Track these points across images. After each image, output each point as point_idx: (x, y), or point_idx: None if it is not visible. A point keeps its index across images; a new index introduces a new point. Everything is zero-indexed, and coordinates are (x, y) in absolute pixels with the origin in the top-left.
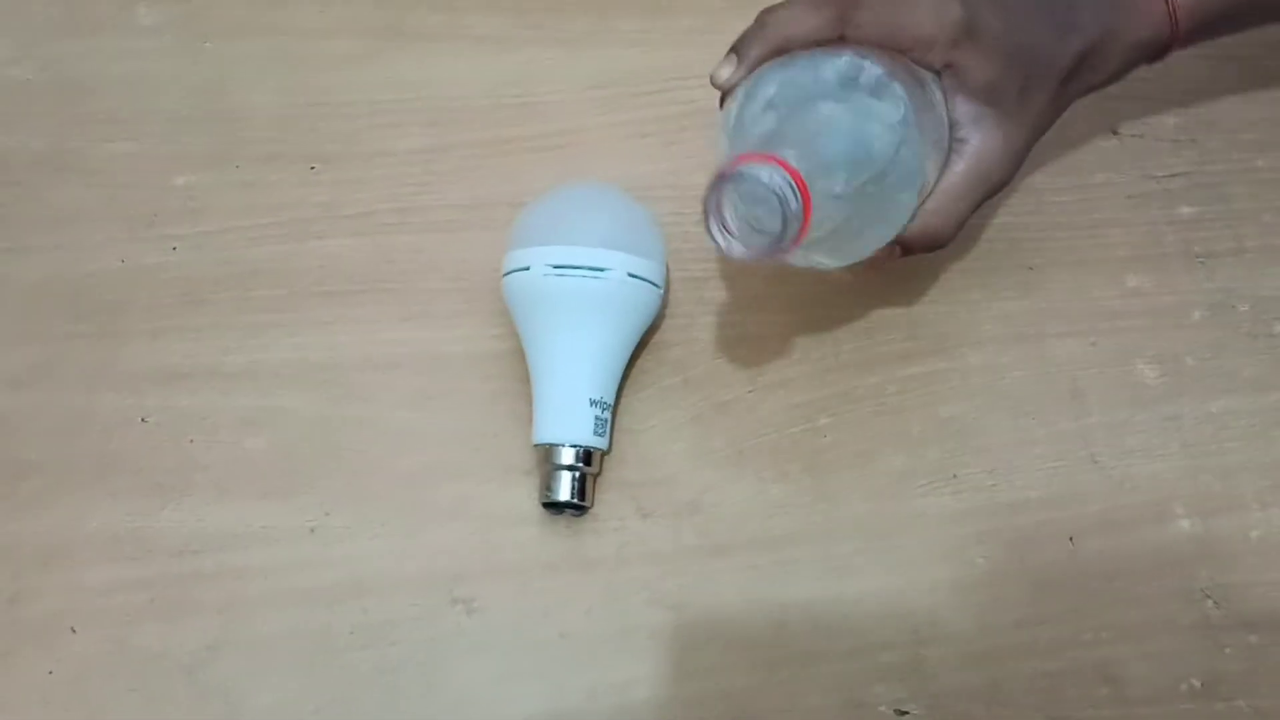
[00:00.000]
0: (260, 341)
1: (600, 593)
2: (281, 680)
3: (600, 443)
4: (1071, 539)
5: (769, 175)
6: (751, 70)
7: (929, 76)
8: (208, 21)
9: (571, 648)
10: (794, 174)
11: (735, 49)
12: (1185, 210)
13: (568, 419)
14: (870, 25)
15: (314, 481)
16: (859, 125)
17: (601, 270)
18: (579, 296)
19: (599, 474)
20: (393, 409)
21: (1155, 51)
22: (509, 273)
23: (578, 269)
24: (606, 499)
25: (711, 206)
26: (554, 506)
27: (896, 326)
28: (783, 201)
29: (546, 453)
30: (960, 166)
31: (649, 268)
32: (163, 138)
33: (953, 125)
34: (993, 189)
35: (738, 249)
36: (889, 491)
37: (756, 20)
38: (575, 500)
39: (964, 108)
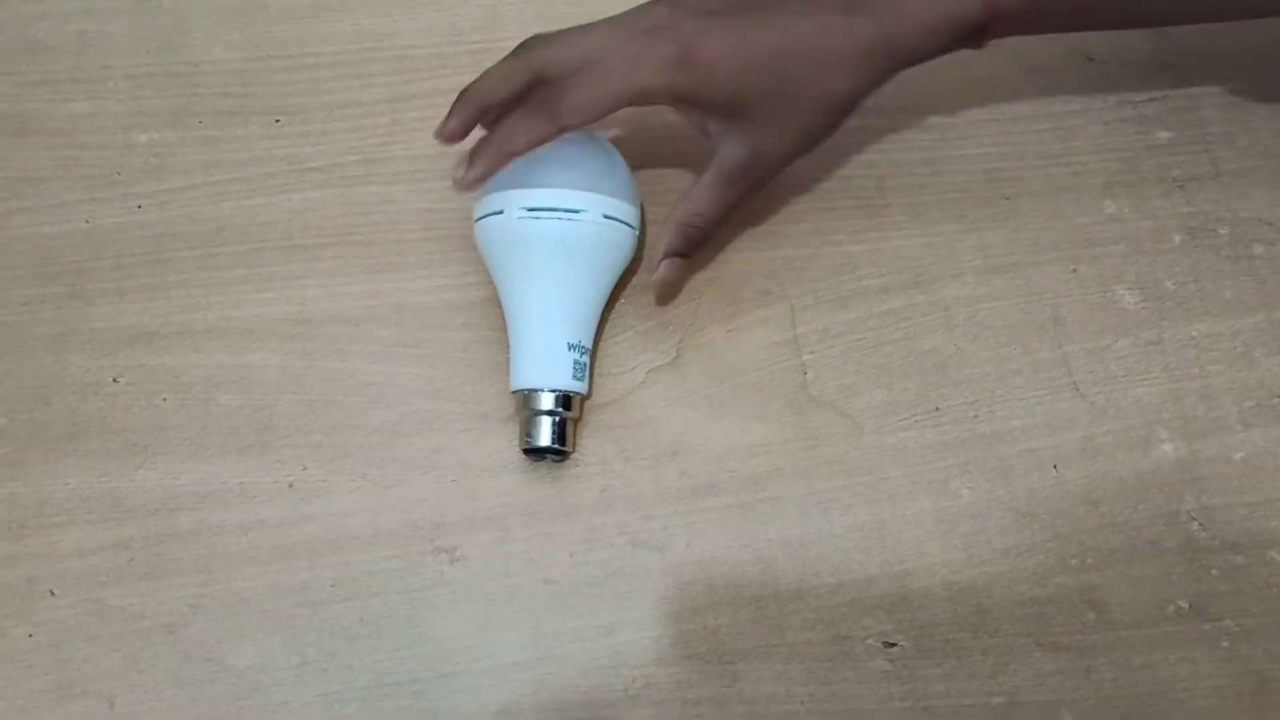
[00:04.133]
0: (230, 298)
1: (583, 537)
2: (263, 636)
3: (579, 387)
4: (1055, 466)
5: None
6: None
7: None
8: None
9: (556, 593)
10: None
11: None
12: (1162, 135)
13: (546, 364)
14: (578, 111)
15: (290, 436)
16: None
17: (576, 212)
18: (554, 239)
19: (579, 418)
20: (367, 361)
21: (973, 33)
22: (482, 217)
23: (552, 211)
24: (587, 443)
25: None
26: (534, 452)
27: (873, 261)
28: None
29: (525, 398)
30: (706, 176)
31: (624, 209)
32: (123, 95)
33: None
34: (744, 191)
35: None
36: (871, 426)
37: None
38: (556, 445)
39: (712, 125)
